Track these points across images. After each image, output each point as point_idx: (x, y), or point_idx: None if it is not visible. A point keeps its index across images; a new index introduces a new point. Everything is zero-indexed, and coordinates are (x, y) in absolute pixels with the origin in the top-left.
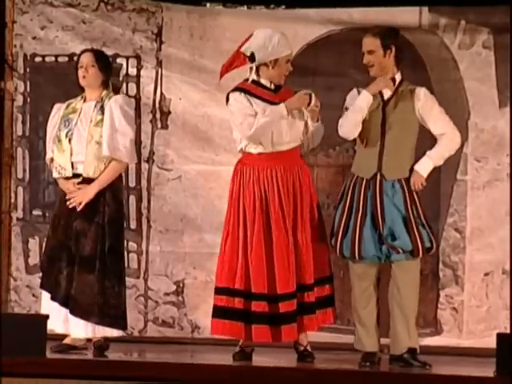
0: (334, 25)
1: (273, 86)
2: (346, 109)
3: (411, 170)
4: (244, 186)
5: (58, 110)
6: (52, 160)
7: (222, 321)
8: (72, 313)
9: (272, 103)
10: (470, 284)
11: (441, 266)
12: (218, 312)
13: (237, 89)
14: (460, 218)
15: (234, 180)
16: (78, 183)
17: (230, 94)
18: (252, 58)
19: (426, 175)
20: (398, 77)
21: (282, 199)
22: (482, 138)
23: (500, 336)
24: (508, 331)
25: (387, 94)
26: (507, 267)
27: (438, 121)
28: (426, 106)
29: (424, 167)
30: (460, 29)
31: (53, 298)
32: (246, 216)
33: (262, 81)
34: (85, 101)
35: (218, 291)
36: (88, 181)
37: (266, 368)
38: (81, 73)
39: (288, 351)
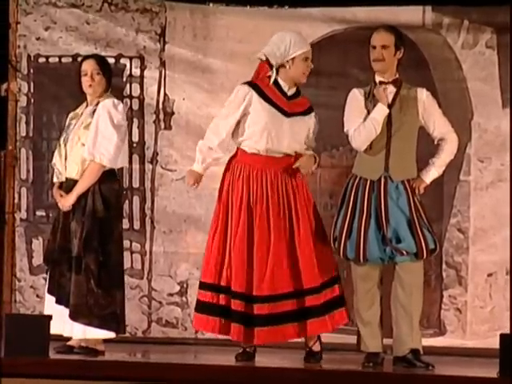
0: (337, 24)
1: (291, 91)
2: (348, 113)
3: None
4: (233, 183)
5: (68, 118)
6: (54, 165)
7: (204, 316)
8: (71, 317)
9: (280, 110)
10: (473, 285)
11: (444, 266)
12: (202, 307)
13: (249, 83)
14: (463, 218)
15: (225, 175)
16: (64, 189)
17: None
18: (269, 62)
19: (429, 182)
20: (398, 78)
21: (269, 203)
22: (485, 139)
23: (503, 337)
24: None
25: (390, 96)
26: None
27: (438, 123)
28: (429, 109)
29: (429, 176)
30: (463, 28)
31: (58, 302)
32: (232, 213)
33: (281, 82)
34: (87, 106)
35: (203, 286)
36: (70, 185)
37: (269, 368)
38: (86, 81)
39: (292, 351)
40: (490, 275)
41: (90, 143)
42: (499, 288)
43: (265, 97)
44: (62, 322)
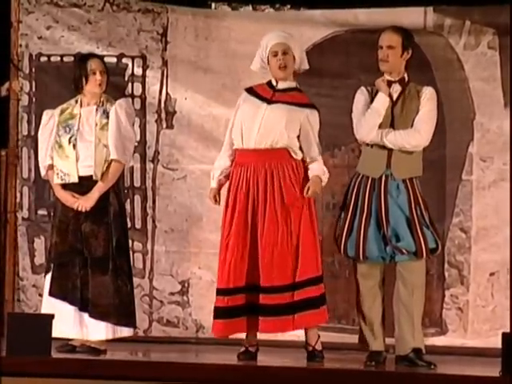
0: (339, 26)
1: (281, 85)
2: (355, 110)
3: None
4: (231, 183)
5: (51, 117)
6: (51, 167)
7: (225, 321)
8: (91, 316)
9: (262, 98)
10: (475, 284)
11: (446, 265)
12: (219, 313)
13: (246, 88)
14: (465, 217)
15: (230, 181)
16: (76, 189)
17: None
18: None
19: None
20: (405, 78)
21: (249, 196)
22: (488, 138)
23: (505, 336)
24: None
25: (395, 94)
26: None
27: (422, 115)
28: (424, 104)
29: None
30: (465, 29)
31: (71, 303)
32: (234, 214)
33: (272, 80)
34: (82, 105)
35: (219, 292)
36: (87, 183)
37: (271, 368)
38: (96, 80)
39: (293, 351)
40: (492, 274)
41: (115, 144)
42: (501, 287)
43: (253, 92)
44: (74, 325)
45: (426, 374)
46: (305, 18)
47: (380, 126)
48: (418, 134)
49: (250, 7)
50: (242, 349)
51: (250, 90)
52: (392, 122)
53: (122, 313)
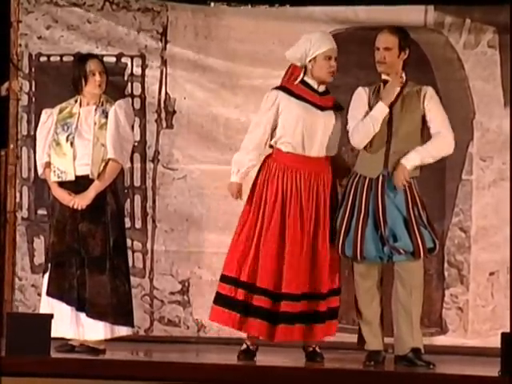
0: (338, 24)
1: (321, 88)
2: (351, 110)
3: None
4: (268, 180)
5: (49, 115)
6: (48, 165)
7: (222, 309)
8: (89, 315)
9: (313, 104)
10: (475, 283)
11: (446, 265)
12: (220, 300)
13: (277, 87)
14: (465, 217)
15: (260, 173)
16: (73, 187)
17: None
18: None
19: (409, 168)
20: (403, 77)
21: (303, 203)
22: (488, 137)
23: (505, 335)
24: None
25: (394, 95)
26: None
27: (437, 119)
28: (430, 104)
29: (409, 160)
30: (465, 28)
31: (68, 303)
32: (265, 210)
33: (309, 81)
34: (81, 105)
35: (224, 279)
36: (84, 182)
37: (271, 367)
38: (96, 81)
39: (294, 351)
40: (491, 274)
41: (113, 143)
42: (501, 287)
43: (294, 94)
44: (71, 325)
45: (426, 374)
46: (305, 15)
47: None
48: (446, 138)
49: (249, 7)
50: (244, 347)
51: (289, 91)
52: (390, 120)
53: (119, 312)
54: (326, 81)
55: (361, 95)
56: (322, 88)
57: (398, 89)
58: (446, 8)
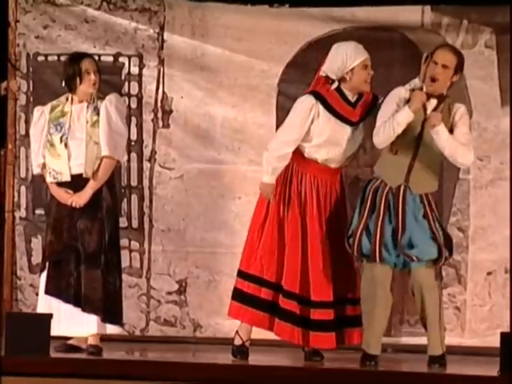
0: (336, 23)
1: (354, 98)
2: (382, 108)
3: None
4: (291, 177)
5: (41, 114)
6: (44, 165)
7: (245, 307)
8: (85, 310)
9: (344, 119)
10: (472, 283)
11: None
12: (242, 297)
13: (313, 92)
14: (463, 217)
15: (286, 169)
16: (70, 187)
17: (304, 95)
18: (330, 78)
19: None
20: (444, 93)
21: (322, 209)
22: (485, 137)
23: (504, 335)
24: None
25: (430, 108)
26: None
27: (463, 136)
28: (460, 123)
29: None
30: (462, 28)
31: (66, 301)
32: (287, 209)
33: (345, 91)
34: (72, 103)
35: (245, 276)
36: (80, 181)
37: (269, 367)
38: (91, 80)
39: (294, 350)
40: (489, 274)
41: (106, 140)
42: (498, 287)
43: (329, 107)
44: (73, 323)
45: (424, 374)
46: (302, 14)
47: (405, 137)
48: (469, 151)
49: (248, 6)
50: (239, 342)
51: (323, 100)
52: (420, 134)
53: (109, 309)
54: (364, 90)
55: (396, 95)
56: (355, 98)
57: (434, 102)
58: (443, 8)
